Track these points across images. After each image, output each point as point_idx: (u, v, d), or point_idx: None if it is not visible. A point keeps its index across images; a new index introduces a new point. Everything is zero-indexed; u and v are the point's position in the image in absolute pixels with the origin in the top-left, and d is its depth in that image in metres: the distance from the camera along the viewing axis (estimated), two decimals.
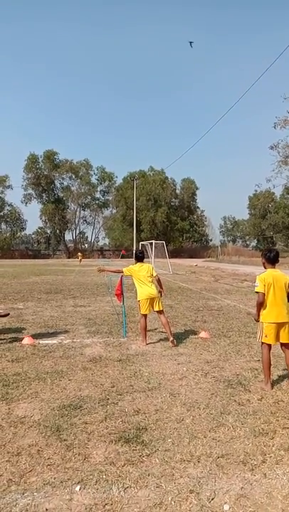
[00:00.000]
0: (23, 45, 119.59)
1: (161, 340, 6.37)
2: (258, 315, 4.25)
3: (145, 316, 6.14)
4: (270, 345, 4.18)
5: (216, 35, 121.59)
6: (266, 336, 4.14)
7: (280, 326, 4.11)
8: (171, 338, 5.99)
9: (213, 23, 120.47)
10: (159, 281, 6.34)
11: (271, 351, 4.23)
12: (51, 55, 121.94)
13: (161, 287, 6.37)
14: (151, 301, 6.12)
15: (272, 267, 4.29)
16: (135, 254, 6.56)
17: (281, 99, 30.43)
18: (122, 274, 6.38)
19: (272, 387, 4.14)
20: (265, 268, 4.32)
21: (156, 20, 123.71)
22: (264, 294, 4.14)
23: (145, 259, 6.58)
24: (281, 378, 4.47)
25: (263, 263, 4.37)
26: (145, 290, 6.10)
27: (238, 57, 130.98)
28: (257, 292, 4.19)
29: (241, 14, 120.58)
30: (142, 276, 6.13)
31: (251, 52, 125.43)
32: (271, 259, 4.28)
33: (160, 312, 6.18)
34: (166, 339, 6.14)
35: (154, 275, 6.23)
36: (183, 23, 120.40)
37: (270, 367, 4.20)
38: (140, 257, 6.42)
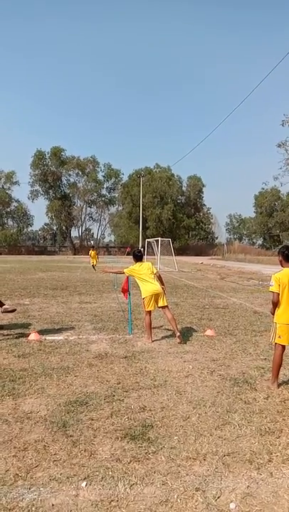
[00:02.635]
0: (29, 41, 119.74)
1: (166, 337, 6.37)
2: (274, 311, 4.17)
3: (150, 312, 6.14)
4: (284, 346, 4.12)
5: (224, 30, 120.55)
6: (280, 337, 4.08)
7: None
8: (178, 334, 5.97)
9: (221, 18, 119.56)
10: (160, 278, 6.34)
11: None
12: (58, 51, 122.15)
13: (163, 284, 6.35)
14: (156, 297, 6.12)
15: None
16: (134, 253, 6.55)
17: None
18: (123, 274, 6.42)
19: (278, 386, 4.12)
20: (283, 266, 4.15)
21: (161, 14, 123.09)
22: (278, 293, 4.05)
23: (151, 257, 6.58)
24: (288, 377, 4.44)
25: (280, 261, 4.19)
26: (149, 287, 6.10)
27: (246, 53, 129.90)
28: (272, 292, 4.09)
29: (252, 10, 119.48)
30: (144, 274, 6.14)
31: (261, 47, 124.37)
32: None
33: (165, 307, 6.17)
34: (172, 336, 6.13)
35: (154, 272, 6.23)
36: (188, 17, 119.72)
37: (279, 367, 4.16)
38: (139, 257, 6.44)
